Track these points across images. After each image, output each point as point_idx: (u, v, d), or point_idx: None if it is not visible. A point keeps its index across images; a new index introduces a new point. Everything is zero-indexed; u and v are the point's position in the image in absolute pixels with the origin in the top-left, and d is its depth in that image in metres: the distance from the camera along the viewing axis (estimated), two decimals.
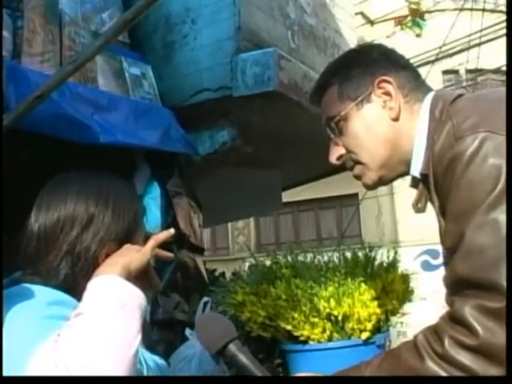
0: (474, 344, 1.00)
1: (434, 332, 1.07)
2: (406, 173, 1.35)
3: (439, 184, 1.17)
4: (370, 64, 1.35)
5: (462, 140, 1.10)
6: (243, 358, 1.22)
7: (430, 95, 1.31)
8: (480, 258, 1.03)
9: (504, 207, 1.03)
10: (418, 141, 1.28)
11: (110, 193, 1.24)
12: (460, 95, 1.27)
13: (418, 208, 1.34)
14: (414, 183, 1.33)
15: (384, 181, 1.38)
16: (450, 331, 1.04)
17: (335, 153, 1.39)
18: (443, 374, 1.03)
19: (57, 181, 1.27)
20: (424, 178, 1.25)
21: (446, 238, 1.15)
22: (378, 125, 1.32)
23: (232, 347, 1.23)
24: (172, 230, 1.30)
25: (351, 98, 1.34)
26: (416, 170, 1.29)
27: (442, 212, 1.17)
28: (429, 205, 1.31)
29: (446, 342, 1.03)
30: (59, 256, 1.17)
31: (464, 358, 1.01)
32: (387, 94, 1.32)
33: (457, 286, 1.08)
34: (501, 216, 1.03)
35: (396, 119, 1.32)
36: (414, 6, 6.97)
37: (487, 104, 1.20)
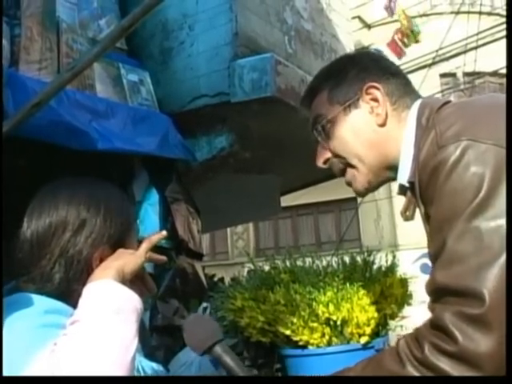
0: (453, 350, 1.00)
1: (415, 338, 1.08)
2: (393, 178, 1.35)
3: (423, 192, 1.17)
4: (360, 70, 1.36)
5: (445, 148, 1.11)
6: (228, 360, 1.22)
7: (418, 102, 1.32)
8: (460, 265, 1.03)
9: (486, 215, 1.03)
10: (404, 148, 1.28)
11: (101, 198, 1.25)
12: (447, 102, 1.27)
13: (407, 216, 1.35)
14: (401, 191, 1.34)
15: (372, 186, 1.38)
16: (430, 337, 1.04)
17: (322, 156, 1.40)
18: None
19: (48, 188, 1.27)
20: (411, 185, 1.25)
21: (429, 246, 1.15)
22: (364, 130, 1.33)
23: (218, 349, 1.22)
24: (164, 232, 1.30)
25: (340, 102, 1.35)
26: (403, 177, 1.29)
27: (427, 219, 1.18)
28: None
29: (426, 347, 1.04)
30: (52, 260, 1.17)
31: (443, 363, 1.01)
32: (375, 100, 1.33)
33: (438, 294, 1.08)
34: (482, 224, 1.03)
35: (382, 125, 1.32)
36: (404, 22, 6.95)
37: (474, 111, 1.20)
